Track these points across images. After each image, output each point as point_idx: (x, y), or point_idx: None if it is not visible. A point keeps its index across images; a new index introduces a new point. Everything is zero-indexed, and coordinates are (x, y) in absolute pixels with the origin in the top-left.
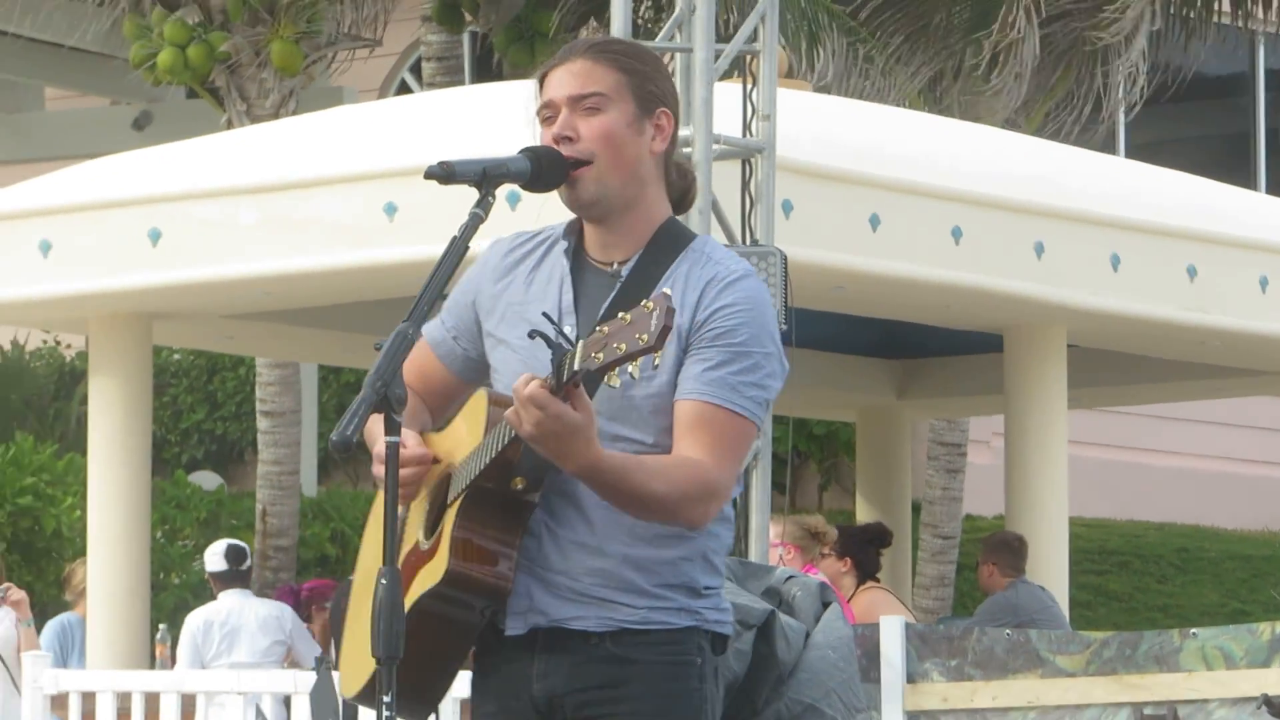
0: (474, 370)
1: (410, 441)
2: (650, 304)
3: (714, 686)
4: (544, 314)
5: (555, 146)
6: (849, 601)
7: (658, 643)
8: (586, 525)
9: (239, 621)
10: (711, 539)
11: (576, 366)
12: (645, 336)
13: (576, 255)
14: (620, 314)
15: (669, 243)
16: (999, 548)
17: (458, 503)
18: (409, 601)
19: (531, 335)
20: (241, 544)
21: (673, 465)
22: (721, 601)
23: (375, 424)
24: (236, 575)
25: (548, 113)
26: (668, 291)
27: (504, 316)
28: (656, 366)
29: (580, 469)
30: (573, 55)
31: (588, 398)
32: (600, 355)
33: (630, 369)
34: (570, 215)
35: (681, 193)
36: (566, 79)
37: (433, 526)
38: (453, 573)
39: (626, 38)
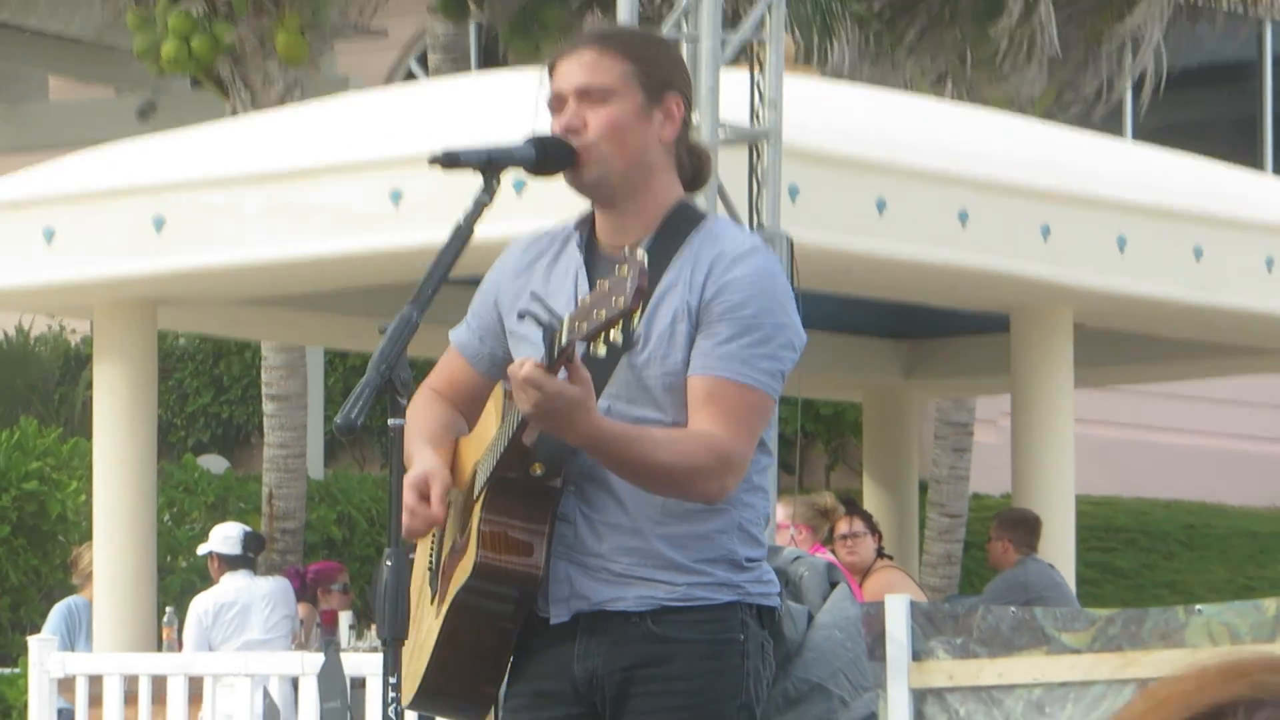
0: (501, 370)
1: (435, 496)
2: (625, 267)
3: (759, 661)
4: (532, 293)
5: (563, 137)
6: (864, 579)
7: (699, 620)
8: (619, 507)
9: (248, 599)
10: (746, 509)
11: (564, 341)
12: (621, 299)
13: (589, 245)
14: (600, 281)
15: (680, 225)
16: (1015, 524)
17: (482, 496)
18: (449, 600)
19: (521, 315)
20: (260, 534)
21: (681, 436)
22: (765, 573)
23: (411, 446)
24: (247, 560)
25: (557, 104)
26: (641, 251)
27: None
28: (635, 328)
29: (583, 440)
30: (580, 45)
31: (585, 370)
32: (583, 325)
33: (612, 334)
34: (548, 207)
35: (694, 172)
36: (574, 70)
37: (464, 524)
38: (481, 564)
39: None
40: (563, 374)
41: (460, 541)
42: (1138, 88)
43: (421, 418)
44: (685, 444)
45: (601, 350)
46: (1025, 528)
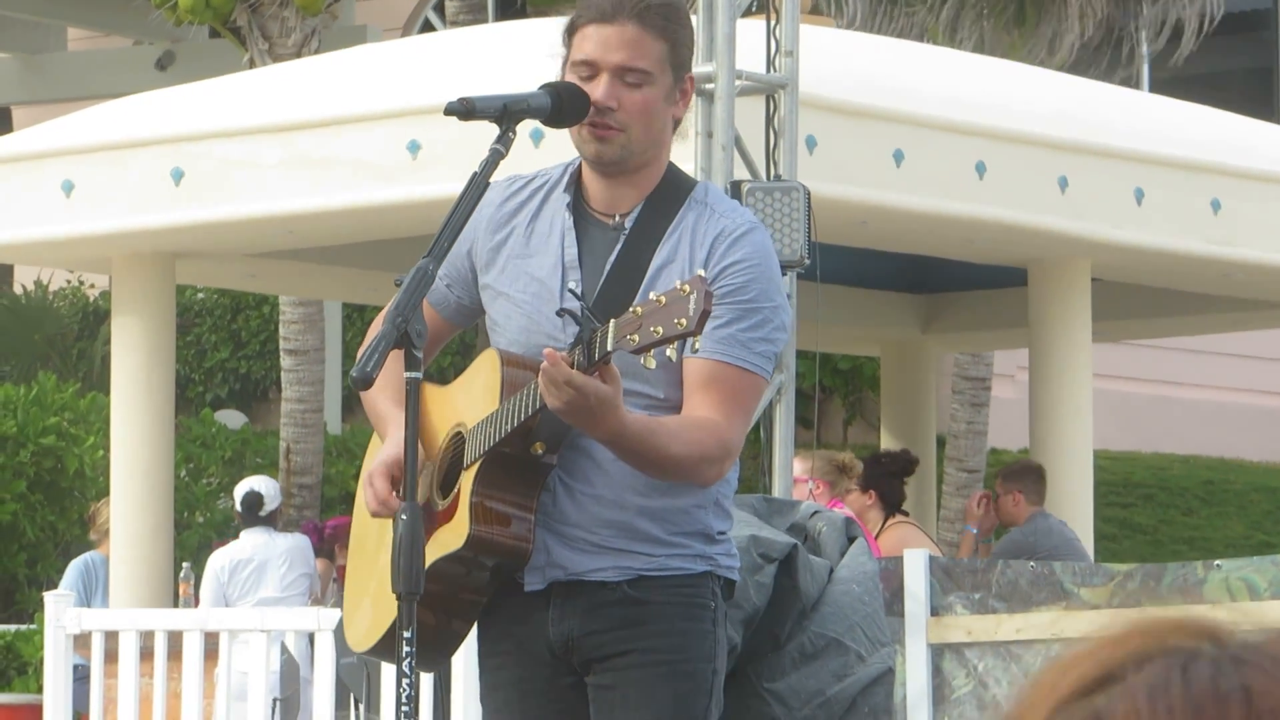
0: (465, 316)
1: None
2: (687, 286)
3: (724, 631)
4: (570, 290)
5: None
6: (877, 536)
7: (674, 585)
8: (603, 478)
9: (265, 556)
10: (723, 484)
11: (610, 347)
12: (684, 321)
13: (576, 207)
14: (654, 295)
15: (670, 192)
16: (1022, 474)
17: (475, 467)
18: (426, 562)
19: (560, 313)
20: (258, 491)
21: (691, 426)
22: (731, 547)
23: (376, 400)
24: (256, 519)
25: (586, 71)
26: (702, 274)
27: (504, 269)
28: (695, 349)
29: (606, 436)
30: (621, 16)
31: (616, 369)
32: (635, 337)
33: (668, 351)
34: (566, 158)
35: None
36: (616, 45)
37: (445, 486)
38: (475, 537)
39: None
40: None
41: (443, 504)
42: (1160, 40)
43: (386, 368)
44: (696, 434)
45: (652, 364)
46: (1035, 476)
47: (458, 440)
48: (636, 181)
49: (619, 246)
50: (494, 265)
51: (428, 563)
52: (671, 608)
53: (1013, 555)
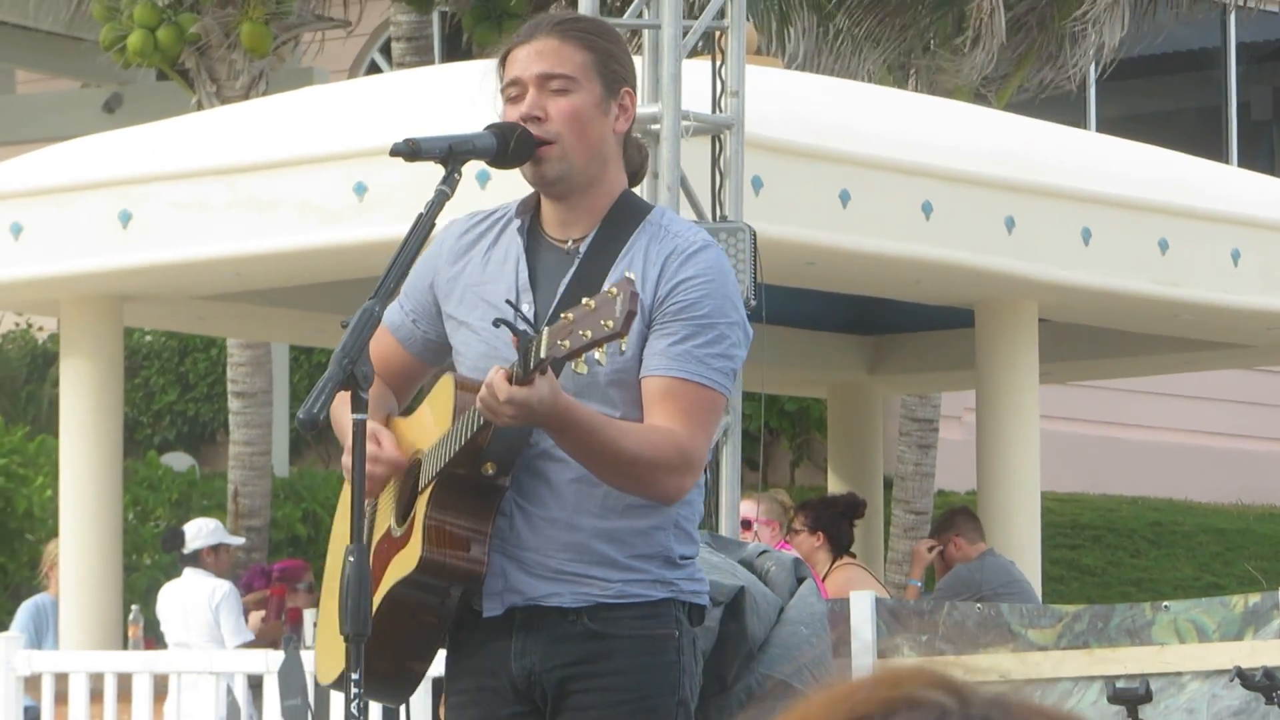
0: (434, 352)
1: (386, 444)
2: (614, 289)
3: (691, 658)
4: (507, 301)
5: (522, 124)
6: (824, 578)
7: (635, 616)
8: (558, 501)
9: (176, 603)
10: (684, 506)
11: (544, 354)
12: (611, 322)
13: (532, 232)
14: (584, 300)
15: (625, 216)
16: (952, 519)
17: (429, 490)
18: (384, 589)
19: (496, 324)
20: (180, 529)
21: (647, 429)
22: (697, 572)
23: (343, 415)
24: (183, 558)
25: (514, 91)
26: (630, 275)
27: (463, 299)
28: (624, 351)
29: (552, 425)
30: (539, 33)
31: (550, 371)
32: (566, 343)
33: (597, 355)
34: (524, 192)
35: (636, 167)
36: (534, 58)
37: (404, 514)
38: (426, 560)
39: (594, 14)
40: None
41: (400, 530)
42: (1101, 78)
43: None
44: (651, 436)
45: (583, 369)
46: (963, 517)
47: (415, 466)
48: (588, 204)
49: (572, 270)
50: (453, 295)
51: (386, 588)
52: (633, 641)
53: (958, 591)
